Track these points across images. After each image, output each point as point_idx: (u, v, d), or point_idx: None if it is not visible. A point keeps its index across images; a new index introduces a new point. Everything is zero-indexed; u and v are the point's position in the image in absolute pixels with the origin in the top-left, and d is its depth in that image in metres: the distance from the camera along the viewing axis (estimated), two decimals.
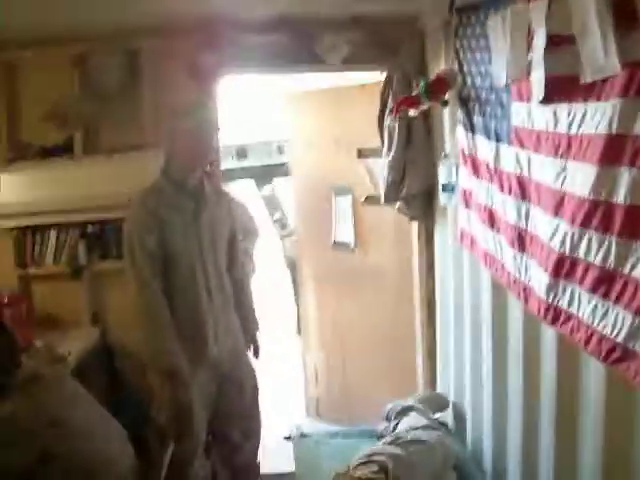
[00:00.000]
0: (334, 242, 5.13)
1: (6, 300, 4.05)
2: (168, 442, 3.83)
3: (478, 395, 3.25)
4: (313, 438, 3.79)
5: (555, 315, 2.19)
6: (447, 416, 3.72)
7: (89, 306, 4.52)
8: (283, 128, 5.78)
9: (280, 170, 6.54)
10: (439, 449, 3.11)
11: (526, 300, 2.45)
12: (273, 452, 4.34)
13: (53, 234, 4.43)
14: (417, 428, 3.25)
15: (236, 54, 4.22)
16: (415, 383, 4.40)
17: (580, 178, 1.96)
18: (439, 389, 4.02)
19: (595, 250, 1.89)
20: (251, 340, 4.01)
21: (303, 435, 3.80)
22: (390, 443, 3.09)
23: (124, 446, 2.78)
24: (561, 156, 2.10)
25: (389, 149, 4.03)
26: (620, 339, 1.80)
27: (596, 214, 1.87)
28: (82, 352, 4.12)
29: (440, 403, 3.76)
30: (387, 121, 4.01)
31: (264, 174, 7.34)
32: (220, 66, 4.25)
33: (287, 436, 3.85)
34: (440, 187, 3.58)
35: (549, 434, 2.46)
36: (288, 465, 3.67)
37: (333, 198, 5.08)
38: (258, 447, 4.11)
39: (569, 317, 2.09)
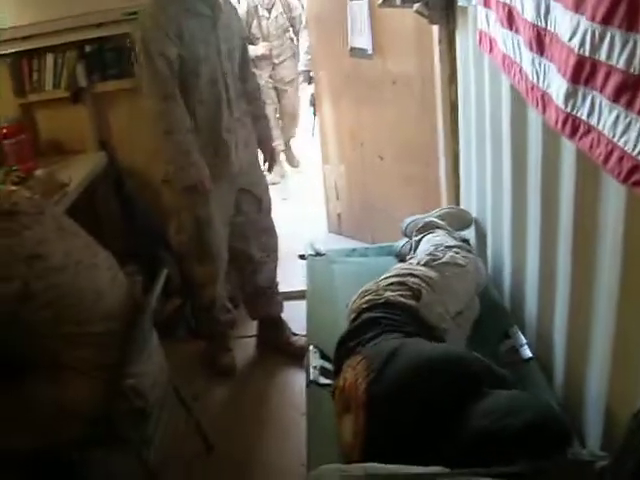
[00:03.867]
0: (350, 49, 4.79)
1: (5, 131, 3.90)
2: (188, 264, 3.79)
3: (498, 213, 3.05)
4: (328, 256, 3.65)
5: (574, 127, 1.92)
6: (469, 235, 3.54)
7: (94, 130, 4.37)
8: None
9: None
10: (472, 275, 2.89)
11: (544, 109, 2.18)
12: (290, 271, 4.28)
13: (50, 58, 4.22)
14: (451, 247, 3.00)
15: None
16: (439, 199, 4.20)
17: None
18: (462, 205, 3.81)
19: (618, 51, 1.60)
20: (266, 153, 3.92)
21: (318, 253, 3.66)
22: (425, 264, 2.86)
23: (114, 276, 2.67)
24: None
25: None
26: None
27: (619, 7, 1.57)
28: (89, 178, 4.02)
29: (462, 220, 3.53)
30: None
31: None
32: None
33: (301, 254, 3.72)
34: None
35: (566, 259, 2.27)
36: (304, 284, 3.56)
37: (347, 1, 4.68)
38: (277, 265, 4.09)
39: (588, 130, 1.83)
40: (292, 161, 7.53)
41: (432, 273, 2.76)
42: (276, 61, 6.78)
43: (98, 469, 2.69)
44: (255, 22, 6.61)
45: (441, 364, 2.12)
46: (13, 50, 4.16)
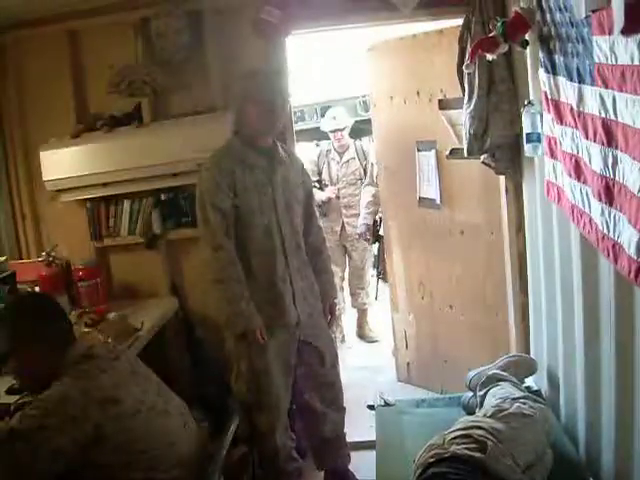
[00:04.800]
0: (419, 199, 4.88)
1: (80, 274, 4.03)
2: (249, 412, 3.76)
3: (571, 362, 2.98)
4: (397, 407, 3.59)
5: None
6: (537, 381, 3.49)
7: (167, 275, 4.48)
8: (365, 82, 5.57)
9: (368, 126, 6.24)
10: (542, 424, 2.80)
11: (615, 259, 2.17)
12: (358, 420, 4.21)
13: (127, 204, 4.41)
14: (517, 399, 2.93)
15: (304, 8, 4.02)
16: (508, 348, 4.14)
17: None
18: (532, 353, 3.75)
19: None
20: (329, 307, 3.92)
21: (387, 404, 3.61)
22: (491, 416, 2.80)
23: (185, 423, 2.68)
24: None
25: (470, 98, 3.75)
26: None
27: None
28: (160, 322, 4.09)
29: (525, 367, 3.46)
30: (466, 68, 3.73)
31: (352, 132, 7.01)
32: (288, 22, 4.05)
33: (370, 404, 3.68)
34: (524, 137, 3.28)
35: None
36: (372, 434, 3.50)
37: (416, 153, 4.81)
38: (343, 417, 4.02)
39: None
40: (365, 335, 6.65)
41: (498, 425, 2.69)
42: (345, 212, 6.30)
43: None
44: (325, 166, 6.38)
45: None
46: (93, 195, 4.35)
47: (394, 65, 4.93)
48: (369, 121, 5.73)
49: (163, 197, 4.34)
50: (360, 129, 7.18)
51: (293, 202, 3.69)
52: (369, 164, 6.24)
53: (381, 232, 5.91)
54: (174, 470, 2.50)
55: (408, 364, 5.37)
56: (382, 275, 5.98)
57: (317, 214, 4.07)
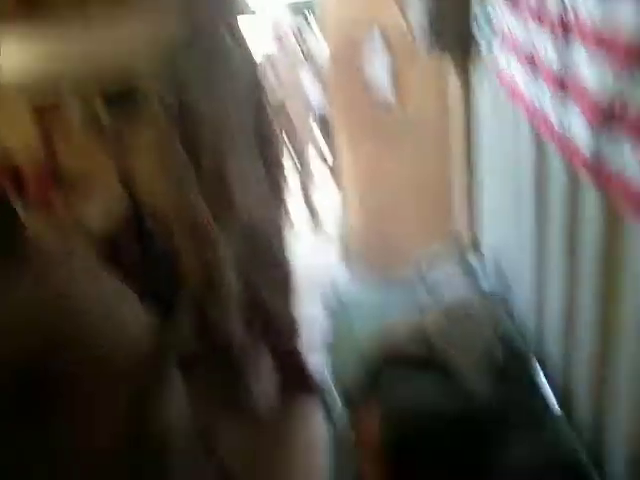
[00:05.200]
0: (369, 92, 4.81)
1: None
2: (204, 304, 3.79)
3: (520, 256, 3.01)
4: (347, 297, 3.62)
5: (598, 172, 1.93)
6: (487, 278, 3.53)
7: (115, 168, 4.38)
8: None
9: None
10: (488, 319, 2.85)
11: (568, 154, 2.19)
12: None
13: None
14: (464, 296, 3.03)
15: None
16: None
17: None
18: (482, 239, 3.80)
19: None
20: (277, 199, 3.92)
21: (336, 297, 3.63)
22: (435, 313, 2.88)
23: (140, 318, 2.68)
24: None
25: None
26: None
27: None
28: (110, 216, 4.04)
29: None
30: None
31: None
32: None
33: (320, 300, 3.72)
34: (477, 29, 3.23)
35: (589, 302, 2.25)
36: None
37: (365, 42, 4.71)
38: (293, 299, 4.10)
39: (614, 175, 1.83)
40: (313, 218, 7.06)
41: (443, 321, 2.80)
42: None
43: None
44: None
45: None
46: None
47: None
48: None
49: None
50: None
51: (243, 94, 3.66)
52: None
53: None
54: (126, 360, 2.50)
55: (355, 254, 5.42)
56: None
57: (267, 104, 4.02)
